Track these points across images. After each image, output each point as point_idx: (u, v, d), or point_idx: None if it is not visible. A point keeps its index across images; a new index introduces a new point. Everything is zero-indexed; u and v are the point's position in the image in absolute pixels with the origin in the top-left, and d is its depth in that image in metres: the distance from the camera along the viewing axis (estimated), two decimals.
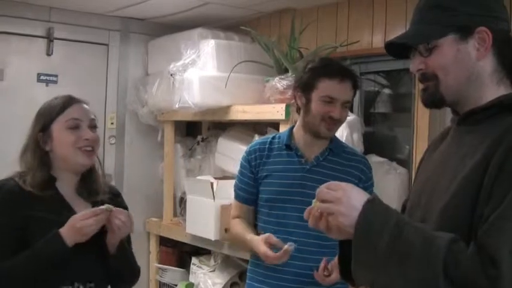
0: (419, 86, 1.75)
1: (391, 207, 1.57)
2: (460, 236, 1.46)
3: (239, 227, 2.97)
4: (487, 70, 1.62)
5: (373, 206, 1.54)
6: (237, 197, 3.03)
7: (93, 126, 2.49)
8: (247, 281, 3.01)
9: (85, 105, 2.51)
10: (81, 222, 2.28)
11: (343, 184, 1.60)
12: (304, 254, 2.79)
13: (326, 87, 2.78)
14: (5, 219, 2.33)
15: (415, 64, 1.68)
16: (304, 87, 2.87)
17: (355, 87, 2.83)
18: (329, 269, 2.68)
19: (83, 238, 2.30)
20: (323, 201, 1.58)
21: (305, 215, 1.67)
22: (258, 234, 2.89)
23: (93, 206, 2.46)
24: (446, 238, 1.44)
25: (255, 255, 2.93)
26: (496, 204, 1.42)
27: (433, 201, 1.60)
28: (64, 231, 2.29)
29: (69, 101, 2.47)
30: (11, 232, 2.32)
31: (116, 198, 2.64)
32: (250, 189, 2.93)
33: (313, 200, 1.66)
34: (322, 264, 2.68)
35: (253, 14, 5.01)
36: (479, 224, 1.44)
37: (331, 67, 2.83)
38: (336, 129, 2.89)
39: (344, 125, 3.84)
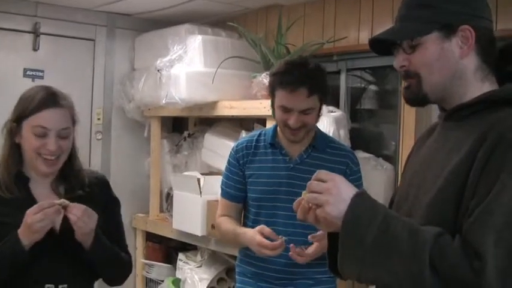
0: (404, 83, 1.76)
1: (379, 202, 1.58)
2: (446, 229, 1.47)
3: (228, 224, 2.95)
4: (471, 68, 1.63)
5: (362, 200, 1.55)
6: (225, 194, 3.01)
7: (62, 136, 2.34)
8: (236, 276, 3.02)
9: (60, 110, 2.35)
10: (31, 217, 2.17)
11: (334, 175, 1.61)
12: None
13: (280, 97, 2.75)
14: None
15: (398, 61, 1.69)
16: (269, 92, 2.88)
17: (313, 93, 2.72)
18: (303, 249, 2.67)
19: (36, 235, 2.20)
20: (312, 192, 1.59)
21: (294, 206, 1.68)
22: None
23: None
24: (432, 232, 1.46)
25: (244, 251, 2.94)
26: (481, 199, 1.44)
27: (420, 196, 1.61)
28: (20, 230, 2.20)
29: (45, 103, 2.31)
30: None
31: (105, 189, 2.57)
32: (239, 185, 2.92)
33: (303, 192, 1.67)
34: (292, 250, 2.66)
35: (241, 10, 5.01)
36: (465, 218, 1.46)
37: (284, 76, 2.74)
38: (302, 133, 2.81)
39: (330, 120, 3.86)
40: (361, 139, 4.43)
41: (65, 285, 2.34)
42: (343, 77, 4.52)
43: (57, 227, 2.32)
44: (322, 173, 1.62)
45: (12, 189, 2.31)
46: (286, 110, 2.75)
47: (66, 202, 2.24)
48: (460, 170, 1.51)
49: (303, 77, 2.71)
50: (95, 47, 5.37)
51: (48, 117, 2.30)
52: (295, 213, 1.71)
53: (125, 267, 2.59)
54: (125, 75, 5.44)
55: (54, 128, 2.31)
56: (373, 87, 4.67)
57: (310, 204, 1.63)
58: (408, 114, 3.86)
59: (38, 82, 4.94)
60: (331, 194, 1.56)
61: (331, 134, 3.67)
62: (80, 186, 2.44)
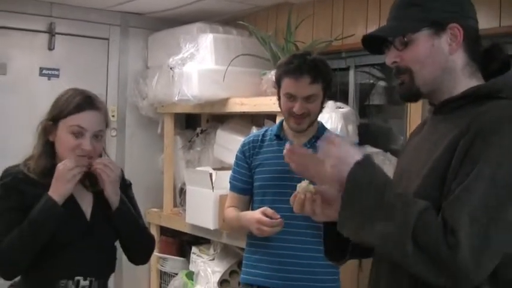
0: None
1: (380, 168, 1.68)
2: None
3: (233, 212, 3.09)
4: (459, 64, 1.74)
5: (363, 166, 1.65)
6: (233, 187, 3.13)
7: (97, 136, 2.49)
8: (242, 268, 3.12)
9: (97, 113, 2.50)
10: (63, 165, 2.35)
11: (342, 140, 1.72)
12: (297, 236, 2.90)
13: (286, 84, 2.91)
14: (10, 203, 2.41)
15: (390, 57, 1.79)
16: (275, 84, 3.01)
17: (316, 80, 2.87)
18: None
19: (67, 186, 2.37)
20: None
21: (290, 200, 1.79)
22: None
23: (96, 197, 2.54)
24: (421, 205, 1.55)
25: (250, 239, 3.04)
26: (460, 181, 1.54)
27: (410, 183, 1.71)
28: (50, 190, 2.36)
29: (83, 105, 2.45)
30: (15, 216, 2.38)
31: (126, 189, 2.70)
32: (245, 178, 3.04)
33: (298, 185, 1.77)
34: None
35: (251, 8, 5.07)
36: (446, 197, 1.56)
37: (290, 65, 2.90)
38: (306, 123, 2.94)
39: (339, 116, 3.95)
40: (369, 134, 4.49)
41: (92, 278, 2.47)
42: (351, 73, 4.58)
43: (88, 215, 2.49)
44: (332, 137, 1.73)
45: (45, 176, 2.44)
46: (290, 97, 2.90)
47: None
48: (444, 158, 1.61)
49: (305, 66, 2.87)
50: (109, 46, 5.46)
51: (86, 119, 2.45)
52: None
53: (149, 241, 2.73)
54: (138, 73, 5.52)
55: (90, 129, 2.46)
56: (381, 83, 4.72)
57: (306, 195, 1.74)
58: (415, 109, 3.92)
59: (54, 81, 5.09)
60: (338, 157, 1.67)
61: (339, 130, 3.76)
62: None
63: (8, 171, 2.50)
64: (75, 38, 5.27)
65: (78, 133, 2.44)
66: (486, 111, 1.61)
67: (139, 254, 2.73)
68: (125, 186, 2.71)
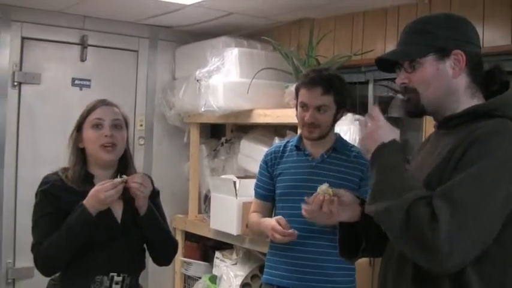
0: None
1: (399, 154, 1.90)
2: None
3: (255, 218, 3.29)
4: (462, 86, 1.93)
5: (386, 149, 1.89)
6: (256, 194, 3.33)
7: (115, 125, 2.75)
8: (264, 269, 3.29)
9: (112, 107, 2.78)
10: (104, 194, 2.55)
11: (381, 119, 1.95)
12: (314, 241, 3.09)
13: (301, 94, 3.15)
14: (48, 209, 2.64)
15: (400, 78, 2.00)
16: (295, 96, 3.24)
17: (328, 92, 3.08)
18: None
19: (104, 207, 2.59)
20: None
21: (310, 199, 1.99)
22: None
23: (125, 203, 2.74)
24: (420, 192, 1.77)
25: (272, 243, 3.23)
26: (451, 179, 1.74)
27: None
28: (88, 203, 2.57)
29: (97, 104, 2.75)
30: (52, 220, 2.61)
31: (155, 197, 2.89)
32: (267, 186, 3.22)
33: (318, 187, 1.98)
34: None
35: (274, 23, 5.22)
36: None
37: (307, 76, 3.15)
38: (317, 132, 3.13)
39: (358, 128, 4.10)
40: None
41: (125, 275, 2.69)
42: (370, 87, 4.72)
43: (119, 220, 2.70)
44: (375, 111, 1.96)
45: (81, 184, 2.67)
46: (304, 106, 3.12)
47: (125, 177, 2.64)
48: (442, 165, 1.82)
49: (319, 78, 3.10)
50: (138, 57, 5.62)
51: (101, 111, 2.74)
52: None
53: (173, 244, 2.93)
54: (166, 84, 5.66)
55: (107, 118, 2.73)
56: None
57: (325, 196, 1.95)
58: (430, 122, 4.01)
59: (86, 91, 5.26)
60: (369, 133, 1.93)
61: (357, 141, 3.92)
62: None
63: (47, 179, 2.73)
64: (106, 50, 5.42)
65: (98, 125, 2.70)
66: (481, 126, 1.80)
67: (163, 256, 2.93)
68: (154, 194, 2.89)
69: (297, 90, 3.18)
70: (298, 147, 3.18)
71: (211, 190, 4.98)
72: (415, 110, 2.00)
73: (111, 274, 2.65)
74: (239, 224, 4.58)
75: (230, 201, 4.63)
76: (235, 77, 4.83)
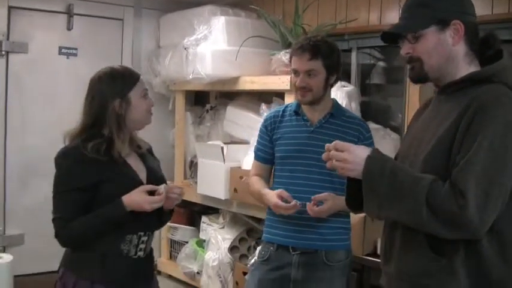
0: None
1: (388, 157, 2.06)
2: (439, 177, 1.93)
3: (256, 185, 3.39)
4: (461, 53, 2.09)
5: (373, 159, 2.03)
6: (256, 157, 3.44)
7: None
8: (264, 228, 3.41)
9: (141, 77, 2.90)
10: (151, 206, 2.69)
11: (348, 145, 2.08)
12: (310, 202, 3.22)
13: (293, 62, 3.28)
14: (74, 184, 2.67)
15: (404, 49, 2.15)
16: (289, 63, 3.36)
17: (315, 57, 3.19)
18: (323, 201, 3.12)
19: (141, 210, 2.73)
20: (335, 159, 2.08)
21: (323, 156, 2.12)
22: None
23: (141, 158, 2.89)
24: (428, 178, 1.93)
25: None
26: (465, 153, 1.90)
27: (418, 154, 2.07)
28: (128, 201, 2.66)
29: (136, 74, 2.83)
30: (80, 196, 2.66)
31: (152, 153, 3.08)
32: (267, 149, 3.34)
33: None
34: (312, 202, 3.10)
35: None
36: (453, 168, 1.92)
37: (297, 45, 3.27)
38: (309, 96, 3.23)
39: (343, 94, 4.24)
40: (370, 111, 4.77)
41: (149, 232, 2.85)
42: (354, 54, 4.85)
43: (144, 182, 2.81)
44: (339, 144, 2.09)
45: (103, 154, 2.72)
46: (295, 72, 3.25)
47: (167, 186, 2.81)
48: (449, 132, 1.97)
49: (307, 45, 3.21)
50: (123, 26, 5.69)
51: (143, 83, 2.84)
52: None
53: (171, 212, 3.06)
54: (151, 52, 5.75)
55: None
56: (381, 64, 4.99)
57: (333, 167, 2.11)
58: (413, 89, 4.21)
59: (72, 59, 5.34)
60: (348, 161, 2.05)
61: (344, 106, 4.05)
62: (143, 146, 2.96)
63: (67, 153, 2.73)
64: (92, 19, 5.48)
65: (146, 94, 2.83)
66: (482, 92, 1.96)
67: (161, 223, 3.04)
68: (150, 150, 3.10)
69: (290, 58, 3.32)
70: (297, 112, 3.30)
71: (198, 156, 5.08)
72: (420, 77, 2.14)
73: (139, 233, 2.79)
74: (227, 188, 4.70)
75: (218, 167, 4.75)
76: (223, 45, 4.91)
